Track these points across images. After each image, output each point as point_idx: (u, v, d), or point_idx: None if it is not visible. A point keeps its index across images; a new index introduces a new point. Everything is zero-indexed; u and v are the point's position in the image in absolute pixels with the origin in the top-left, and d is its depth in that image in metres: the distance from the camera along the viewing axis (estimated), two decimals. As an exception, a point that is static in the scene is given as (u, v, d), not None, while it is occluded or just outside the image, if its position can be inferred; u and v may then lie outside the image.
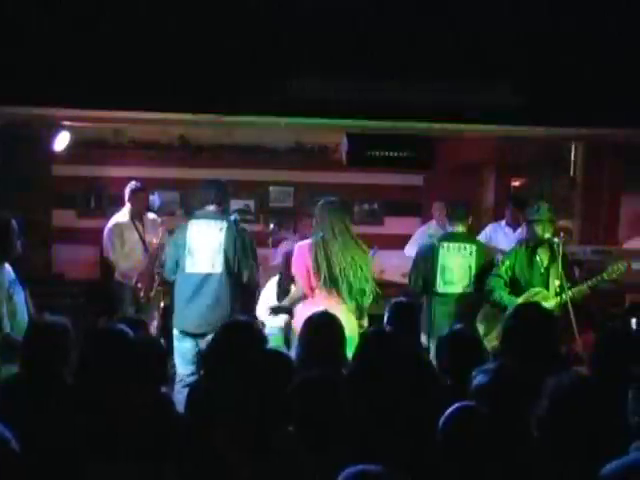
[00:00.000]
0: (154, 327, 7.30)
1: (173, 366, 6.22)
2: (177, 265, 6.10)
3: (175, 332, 6.19)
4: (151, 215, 7.85)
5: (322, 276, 5.71)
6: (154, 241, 7.51)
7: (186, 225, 6.14)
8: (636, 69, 6.01)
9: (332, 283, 5.71)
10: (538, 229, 6.35)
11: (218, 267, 6.00)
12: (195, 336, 6.04)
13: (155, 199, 8.73)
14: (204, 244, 6.02)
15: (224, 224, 6.05)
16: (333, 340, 4.28)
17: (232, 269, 6.01)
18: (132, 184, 7.64)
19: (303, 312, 5.32)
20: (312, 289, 5.78)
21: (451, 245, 6.45)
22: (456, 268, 6.42)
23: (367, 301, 5.85)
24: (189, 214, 6.67)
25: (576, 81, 6.05)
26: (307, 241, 5.89)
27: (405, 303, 5.32)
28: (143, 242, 7.57)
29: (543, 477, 3.11)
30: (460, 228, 6.54)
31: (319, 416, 3.24)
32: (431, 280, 6.42)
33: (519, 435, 3.19)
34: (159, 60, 5.71)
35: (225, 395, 3.65)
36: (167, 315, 7.22)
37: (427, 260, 6.47)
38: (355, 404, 3.55)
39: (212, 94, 5.70)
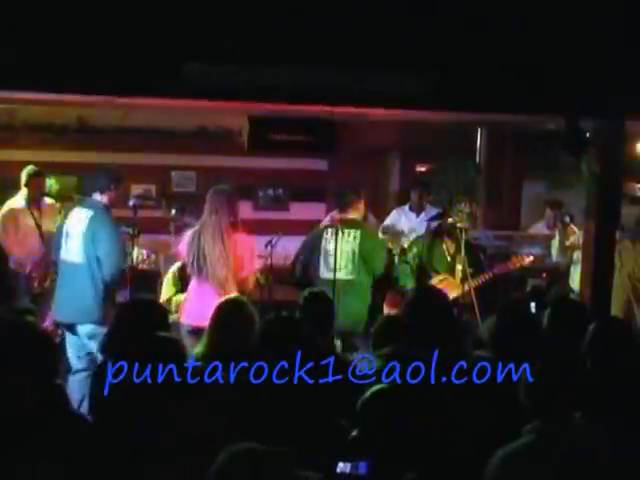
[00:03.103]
0: (50, 317, 7.07)
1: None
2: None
3: None
4: (49, 200, 7.61)
5: (190, 262, 5.90)
6: (51, 227, 7.27)
7: (70, 212, 6.22)
8: (538, 55, 6.05)
9: (198, 270, 5.86)
10: (445, 216, 6.45)
11: (82, 257, 6.00)
12: (67, 327, 6.15)
13: (52, 184, 8.51)
14: (75, 233, 6.05)
15: (90, 213, 6.03)
16: (241, 327, 4.28)
17: (92, 260, 5.96)
18: (29, 168, 7.49)
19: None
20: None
21: (338, 231, 6.28)
22: (340, 254, 6.27)
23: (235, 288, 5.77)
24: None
25: (480, 66, 6.06)
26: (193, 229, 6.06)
27: (318, 292, 5.26)
28: (39, 229, 7.32)
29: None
30: (350, 214, 6.45)
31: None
32: (315, 266, 6.39)
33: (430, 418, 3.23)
34: (50, 38, 5.48)
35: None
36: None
37: (312, 247, 6.48)
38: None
39: (104, 75, 5.51)
